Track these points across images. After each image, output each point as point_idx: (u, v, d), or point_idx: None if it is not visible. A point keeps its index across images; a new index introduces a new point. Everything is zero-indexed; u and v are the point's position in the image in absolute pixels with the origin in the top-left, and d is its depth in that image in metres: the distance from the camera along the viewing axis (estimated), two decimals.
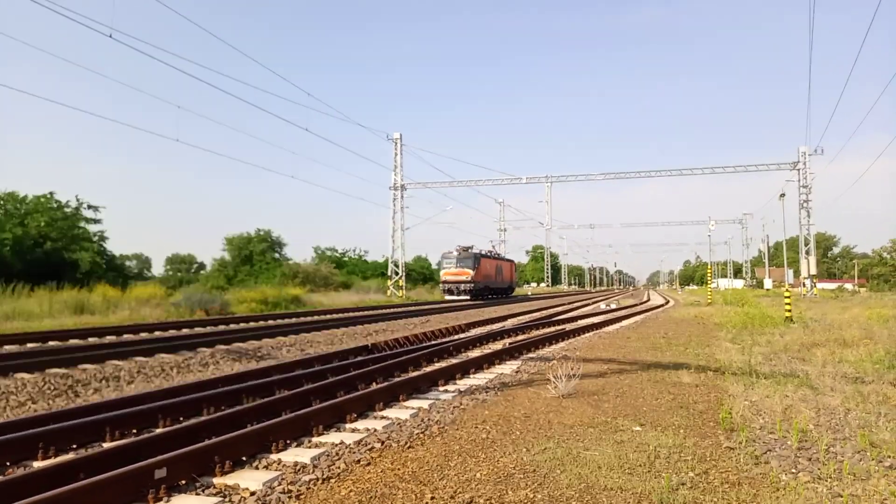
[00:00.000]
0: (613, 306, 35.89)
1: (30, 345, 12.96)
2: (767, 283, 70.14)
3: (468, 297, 41.91)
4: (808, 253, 41.77)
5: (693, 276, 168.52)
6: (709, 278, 48.52)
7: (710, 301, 38.72)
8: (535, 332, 17.25)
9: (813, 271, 41.70)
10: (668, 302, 47.31)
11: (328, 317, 22.80)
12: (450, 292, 43.33)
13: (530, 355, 12.29)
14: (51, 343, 13.38)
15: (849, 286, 76.58)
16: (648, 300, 51.14)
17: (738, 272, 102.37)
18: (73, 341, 13.77)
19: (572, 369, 8.38)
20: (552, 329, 18.37)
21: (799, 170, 42.39)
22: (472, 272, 42.99)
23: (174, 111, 55.32)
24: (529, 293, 75.70)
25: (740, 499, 4.24)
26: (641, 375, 9.69)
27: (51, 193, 36.36)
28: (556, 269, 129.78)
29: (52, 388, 8.77)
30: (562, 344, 14.52)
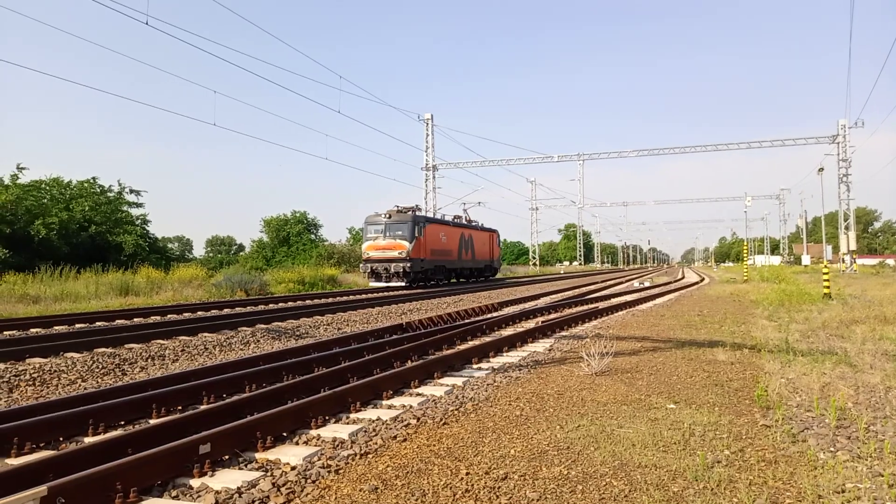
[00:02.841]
0: (647, 284, 35.52)
1: (78, 325, 13.45)
2: (805, 260, 68.49)
3: (403, 284, 28.99)
4: (847, 228, 40.69)
5: (729, 253, 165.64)
6: (745, 255, 47.58)
7: (746, 278, 38.03)
8: (567, 311, 17.23)
9: (852, 247, 40.65)
10: (702, 279, 46.61)
11: (363, 296, 23.09)
12: (375, 275, 29.20)
13: (563, 333, 12.30)
14: (98, 323, 13.85)
15: (890, 262, 74.21)
16: (683, 278, 50.46)
17: (774, 248, 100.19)
18: (119, 322, 14.25)
19: (605, 347, 8.40)
20: (585, 307, 18.31)
21: (838, 143, 41.12)
22: (408, 245, 28.69)
23: (211, 96, 55.80)
24: (562, 272, 75.36)
25: (777, 477, 4.24)
26: (675, 353, 9.64)
27: (94, 179, 37.36)
28: (588, 248, 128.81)
29: (101, 366, 9.11)
30: (595, 322, 14.49)
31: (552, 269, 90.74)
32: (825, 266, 22.39)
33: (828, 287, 19.98)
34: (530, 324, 13.86)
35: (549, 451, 4.83)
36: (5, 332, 12.16)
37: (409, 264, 28.54)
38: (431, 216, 33.72)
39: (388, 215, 29.57)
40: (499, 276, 48.88)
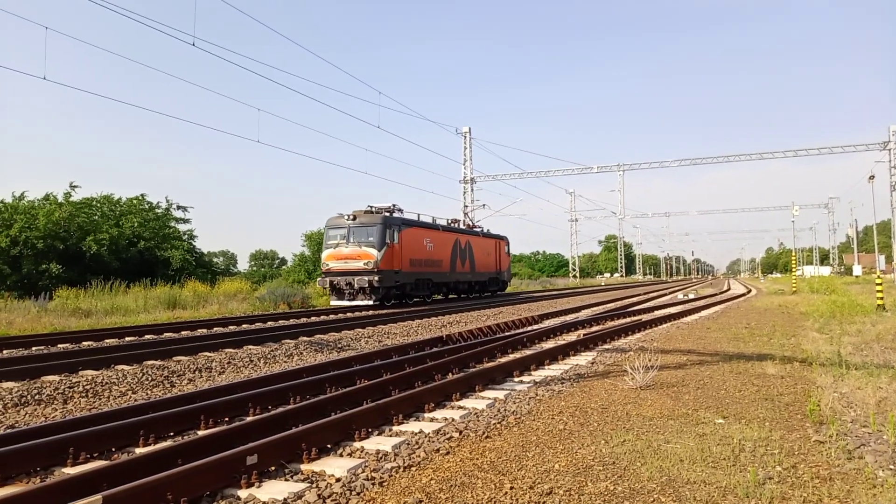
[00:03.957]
0: (692, 296, 34.83)
1: (128, 338, 13.83)
2: (857, 270, 66.20)
3: (371, 302, 23.06)
4: None
5: (776, 263, 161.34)
6: (793, 265, 46.31)
7: (794, 289, 36.98)
8: (609, 323, 17.01)
9: None
10: (749, 291, 45.47)
11: (403, 309, 23.19)
12: (336, 291, 23.48)
13: (606, 346, 12.14)
14: (147, 336, 14.23)
15: None
16: (729, 289, 49.31)
17: (824, 259, 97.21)
18: (167, 334, 14.61)
19: (650, 360, 8.26)
20: (627, 320, 18.04)
21: (889, 150, 39.73)
22: (376, 253, 22.94)
23: (255, 113, 57.11)
24: (603, 284, 74.49)
25: (833, 495, 4.10)
26: (723, 367, 9.42)
27: (142, 195, 38.52)
28: (629, 259, 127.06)
29: (150, 378, 9.35)
30: (638, 335, 14.27)
31: (593, 280, 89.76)
32: (878, 276, 21.64)
33: (881, 298, 19.29)
34: (571, 336, 13.72)
35: (594, 466, 4.76)
36: (59, 346, 12.59)
37: (377, 277, 22.65)
38: (414, 219, 26.86)
39: (351, 216, 23.95)
40: (510, 289, 43.03)
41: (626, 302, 28.91)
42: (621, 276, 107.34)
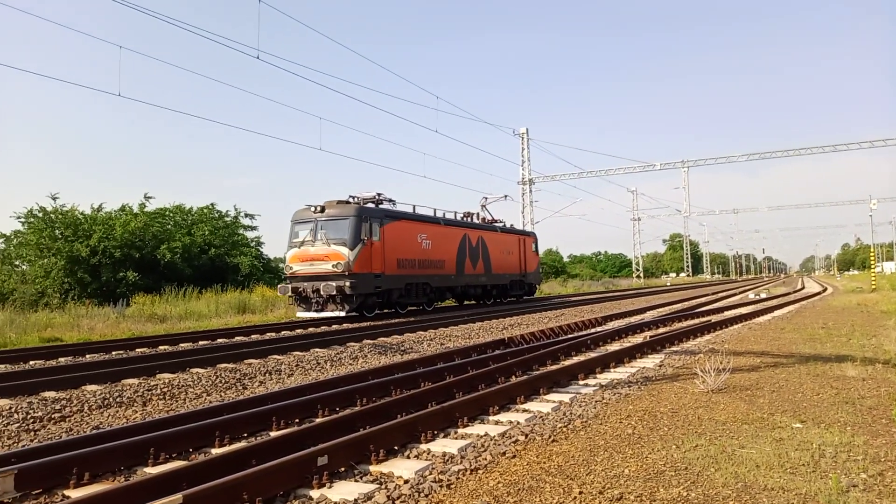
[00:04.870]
0: (763, 295, 33.56)
1: (201, 342, 14.36)
2: None
3: (343, 314, 18.82)
4: None
5: (853, 260, 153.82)
6: (871, 262, 43.98)
7: (874, 287, 35.13)
8: (677, 325, 16.57)
9: None
10: (825, 289, 43.45)
11: (464, 311, 23.22)
12: (301, 299, 19.27)
13: (673, 348, 11.84)
14: (219, 340, 14.74)
15: None
16: (803, 288, 47.26)
17: None
18: (238, 338, 15.09)
19: (721, 363, 8.00)
20: (696, 321, 17.53)
21: None
22: (348, 252, 18.62)
23: (316, 122, 58.38)
24: (668, 284, 72.70)
25: None
26: (799, 369, 9.05)
27: (212, 204, 39.90)
28: (696, 258, 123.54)
29: (223, 381, 9.67)
30: (707, 336, 13.85)
31: (657, 281, 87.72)
32: None
33: None
34: (637, 338, 13.44)
35: (665, 471, 4.65)
36: (138, 350, 13.19)
37: (349, 282, 18.30)
38: (405, 210, 22.50)
39: (319, 208, 19.45)
40: (542, 293, 39.33)
41: (694, 302, 28.10)
42: (687, 275, 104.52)
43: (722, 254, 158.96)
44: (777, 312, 21.09)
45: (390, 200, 21.77)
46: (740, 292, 39.86)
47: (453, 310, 24.29)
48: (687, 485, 4.34)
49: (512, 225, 31.36)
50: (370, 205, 20.61)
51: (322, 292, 18.43)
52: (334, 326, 17.77)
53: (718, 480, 4.41)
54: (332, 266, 18.60)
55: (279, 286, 20.45)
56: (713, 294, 37.22)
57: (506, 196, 33.29)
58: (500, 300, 29.17)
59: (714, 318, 18.34)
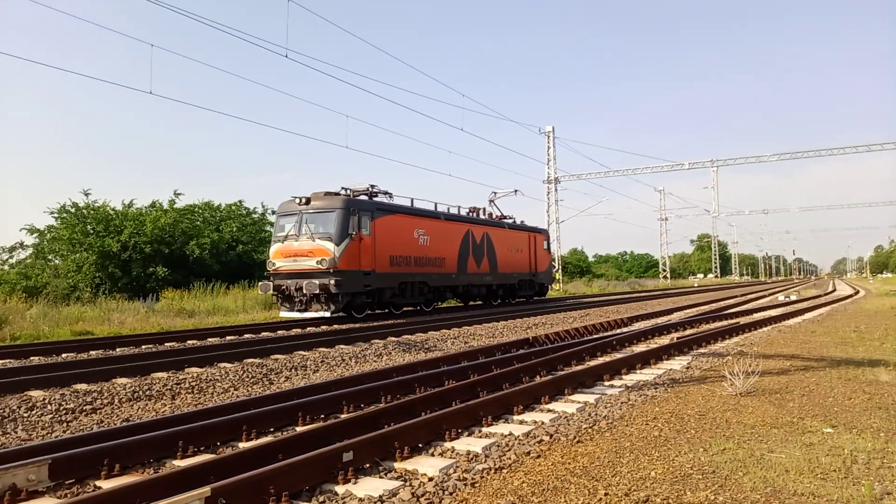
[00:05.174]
0: (793, 298, 32.96)
1: (229, 337, 14.55)
2: None
3: (328, 313, 17.68)
4: None
5: (886, 262, 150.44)
6: None
7: None
8: (704, 327, 16.36)
9: None
10: (857, 292, 42.54)
11: (488, 310, 23.19)
12: (285, 298, 18.21)
13: (701, 351, 11.69)
14: (246, 335, 14.92)
15: None
16: (834, 290, 46.30)
17: None
18: (264, 334, 15.26)
19: (750, 365, 7.88)
20: (724, 323, 17.29)
21: None
22: (334, 248, 17.48)
23: (343, 120, 58.70)
24: (696, 285, 71.80)
25: None
26: (830, 373, 8.87)
27: (240, 201, 40.44)
28: (724, 259, 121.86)
29: (250, 376, 9.79)
30: (736, 339, 13.65)
31: (685, 282, 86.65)
32: None
33: None
34: (664, 340, 13.30)
35: (692, 474, 4.60)
36: (167, 344, 13.40)
37: (333, 280, 17.02)
38: (400, 204, 21.17)
39: (304, 200, 18.32)
40: (555, 293, 38.01)
41: (722, 304, 27.71)
42: (716, 276, 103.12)
43: (751, 255, 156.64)
44: (807, 315, 20.70)
45: (386, 193, 20.60)
46: (770, 294, 39.20)
47: (459, 310, 23.60)
48: (714, 489, 4.28)
49: (523, 221, 30.18)
50: (363, 197, 19.55)
51: (305, 290, 17.30)
52: (358, 324, 17.86)
53: (747, 485, 4.34)
54: (317, 262, 17.45)
55: (260, 284, 19.01)
56: (742, 296, 36.67)
57: (515, 191, 31.71)
58: (509, 300, 27.91)
59: (742, 320, 18.07)
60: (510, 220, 28.81)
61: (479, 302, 26.69)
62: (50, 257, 34.00)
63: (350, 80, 34.22)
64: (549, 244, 31.99)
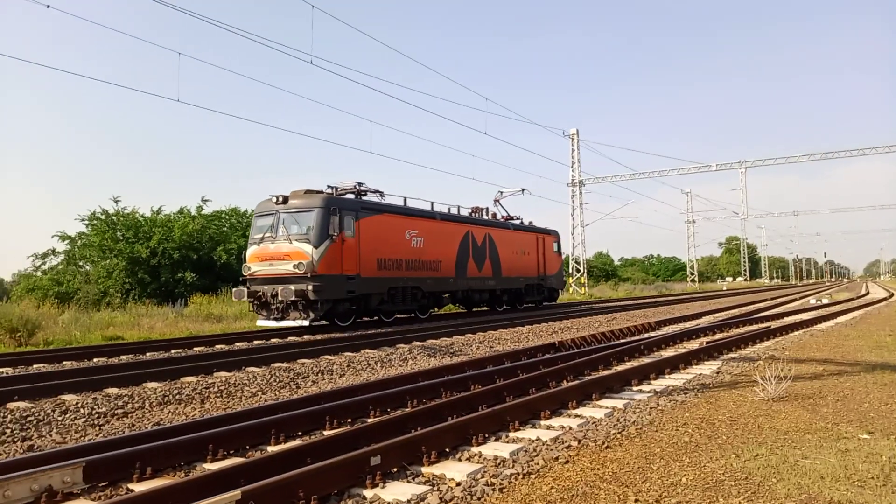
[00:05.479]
0: (825, 301, 32.32)
1: (256, 342, 14.69)
2: None
3: (307, 321, 16.16)
4: None
5: None
6: None
7: None
8: (734, 331, 16.11)
9: None
10: (891, 295, 41.59)
11: (512, 314, 23.10)
12: (261, 305, 16.75)
13: (731, 355, 11.51)
14: (273, 340, 15.05)
15: None
16: (867, 293, 45.32)
17: None
18: (290, 338, 15.37)
19: (782, 370, 7.74)
20: (754, 327, 17.01)
21: None
22: (312, 250, 16.04)
23: (367, 125, 59.15)
24: (724, 289, 70.83)
25: None
26: (865, 377, 8.67)
27: None
28: (754, 262, 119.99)
29: (278, 380, 9.87)
30: (767, 343, 13.42)
31: (713, 285, 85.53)
32: None
33: None
34: (693, 344, 13.12)
35: (724, 480, 4.52)
36: (195, 349, 13.58)
37: (312, 286, 15.69)
38: (389, 203, 19.61)
39: (281, 199, 16.85)
40: (566, 298, 36.42)
41: (752, 308, 27.26)
42: (745, 279, 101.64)
43: (781, 257, 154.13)
44: (840, 319, 20.29)
45: (376, 191, 19.22)
46: (801, 297, 38.49)
47: (466, 316, 22.74)
48: (747, 495, 4.21)
49: (531, 222, 28.50)
50: (349, 196, 18.17)
51: (281, 297, 15.91)
52: (384, 329, 17.91)
53: (781, 491, 4.26)
54: (294, 266, 16.02)
55: (234, 290, 17.62)
56: (772, 299, 36.08)
57: (523, 190, 29.92)
58: (517, 306, 26.43)
59: (773, 324, 17.76)
60: (516, 221, 27.53)
61: (485, 308, 25.51)
62: (81, 263, 34.74)
63: (374, 86, 34.25)
64: (559, 246, 30.23)
